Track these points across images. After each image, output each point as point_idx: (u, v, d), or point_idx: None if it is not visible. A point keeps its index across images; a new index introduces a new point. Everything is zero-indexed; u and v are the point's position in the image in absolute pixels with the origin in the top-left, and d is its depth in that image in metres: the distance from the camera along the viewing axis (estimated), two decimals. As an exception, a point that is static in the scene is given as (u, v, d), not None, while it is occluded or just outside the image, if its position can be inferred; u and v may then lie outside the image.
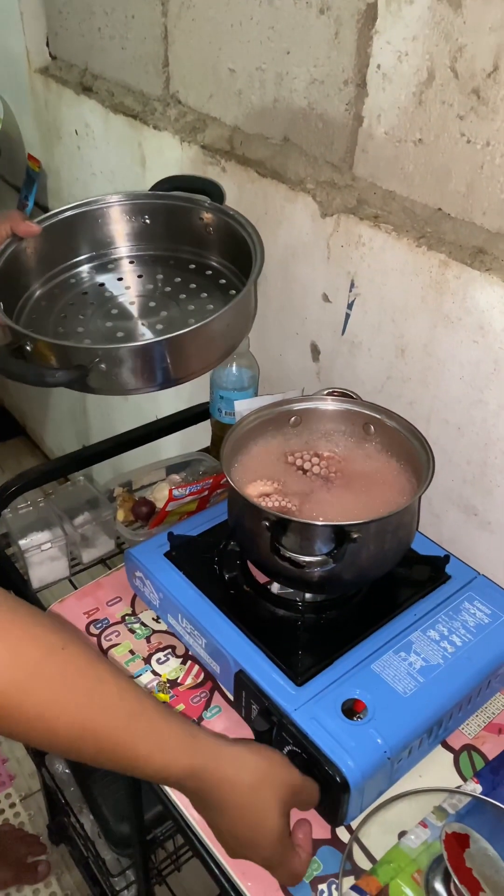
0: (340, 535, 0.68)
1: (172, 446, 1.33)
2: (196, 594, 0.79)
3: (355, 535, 0.68)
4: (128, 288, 1.03)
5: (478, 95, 0.74)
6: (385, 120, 0.85)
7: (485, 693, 0.76)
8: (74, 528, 0.97)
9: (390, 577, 0.79)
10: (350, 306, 0.96)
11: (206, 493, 0.95)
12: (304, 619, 0.77)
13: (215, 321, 0.85)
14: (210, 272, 1.04)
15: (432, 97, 0.79)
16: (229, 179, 1.09)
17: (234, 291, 0.99)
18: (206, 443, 1.17)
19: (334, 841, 0.68)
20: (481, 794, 0.71)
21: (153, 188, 1.04)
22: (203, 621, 0.76)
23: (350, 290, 0.95)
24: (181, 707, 0.77)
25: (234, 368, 1.06)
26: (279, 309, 1.09)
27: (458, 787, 0.72)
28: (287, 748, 0.67)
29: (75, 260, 1.07)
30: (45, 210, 1.70)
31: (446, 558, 0.82)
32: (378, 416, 0.84)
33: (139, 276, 1.04)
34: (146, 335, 0.93)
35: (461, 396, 0.86)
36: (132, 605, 0.88)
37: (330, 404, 0.87)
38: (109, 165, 1.38)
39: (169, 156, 1.20)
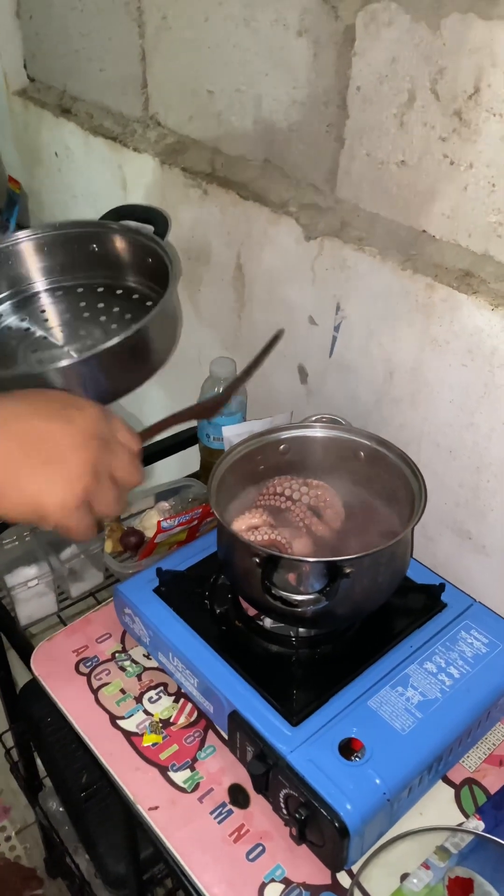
0: (333, 570, 0.67)
1: (163, 470, 1.31)
2: (186, 631, 0.77)
3: (348, 571, 0.67)
4: (46, 321, 1.04)
5: (459, 117, 0.73)
6: (367, 142, 0.84)
7: (485, 725, 0.74)
8: (62, 563, 0.95)
9: (385, 607, 0.78)
10: (337, 329, 0.95)
11: (196, 522, 0.93)
12: (297, 654, 0.75)
13: (139, 332, 0.85)
14: (136, 296, 1.05)
15: (414, 119, 0.78)
16: (211, 202, 1.07)
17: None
18: (197, 466, 1.15)
19: (335, 886, 0.66)
20: (484, 831, 0.69)
21: (102, 218, 1.06)
22: (194, 660, 0.74)
23: (336, 313, 0.94)
24: (174, 748, 0.76)
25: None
26: (266, 331, 1.08)
27: (460, 824, 0.70)
28: (284, 791, 0.66)
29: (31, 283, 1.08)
30: (28, 232, 1.69)
31: (441, 587, 0.80)
32: (368, 442, 0.82)
33: (61, 308, 1.05)
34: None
35: (452, 420, 0.84)
36: (122, 641, 0.86)
37: (319, 431, 0.86)
38: (91, 188, 1.37)
39: (150, 178, 1.18)
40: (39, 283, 1.08)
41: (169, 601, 0.80)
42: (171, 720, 0.78)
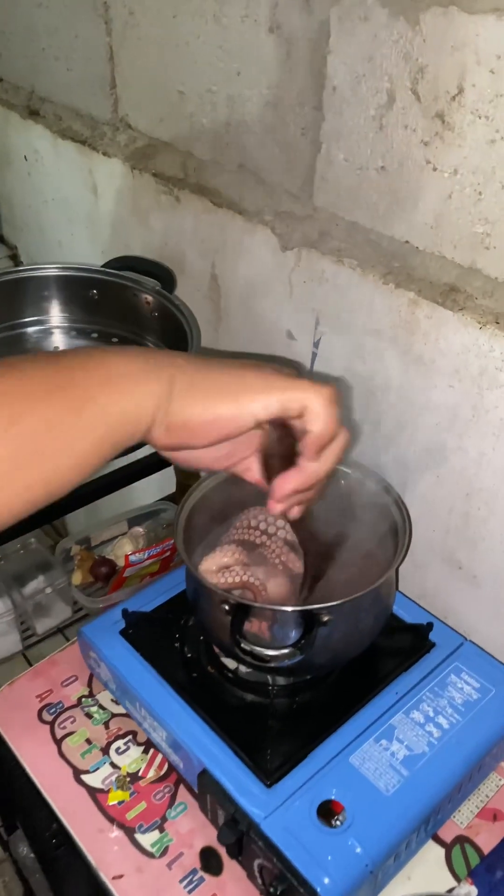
0: (309, 619, 0.61)
1: (137, 493, 1.25)
2: (153, 679, 0.71)
3: (326, 619, 0.61)
4: None
5: (442, 120, 0.67)
6: (344, 145, 0.78)
7: (476, 778, 0.69)
8: (24, 598, 0.89)
9: (369, 648, 0.72)
10: (316, 345, 0.89)
11: (168, 553, 0.87)
12: (274, 704, 0.70)
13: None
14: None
15: (394, 121, 0.72)
16: (184, 210, 1.01)
17: None
18: (173, 487, 1.10)
19: None
20: (477, 897, 0.64)
21: (106, 265, 1.01)
22: (161, 713, 0.68)
23: (316, 329, 0.88)
24: (142, 806, 0.70)
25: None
26: (244, 345, 1.02)
27: (451, 889, 0.64)
28: (257, 861, 0.60)
29: (13, 322, 1.04)
30: (0, 237, 1.63)
31: (429, 626, 0.74)
32: (350, 471, 0.77)
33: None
34: None
35: (440, 443, 0.79)
36: (89, 684, 0.81)
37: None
38: (62, 193, 1.30)
39: (121, 184, 1.12)
40: (63, 319, 1.06)
41: (136, 644, 0.74)
42: (140, 773, 0.72)
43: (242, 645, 0.59)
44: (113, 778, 0.72)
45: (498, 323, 0.69)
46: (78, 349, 0.50)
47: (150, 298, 0.99)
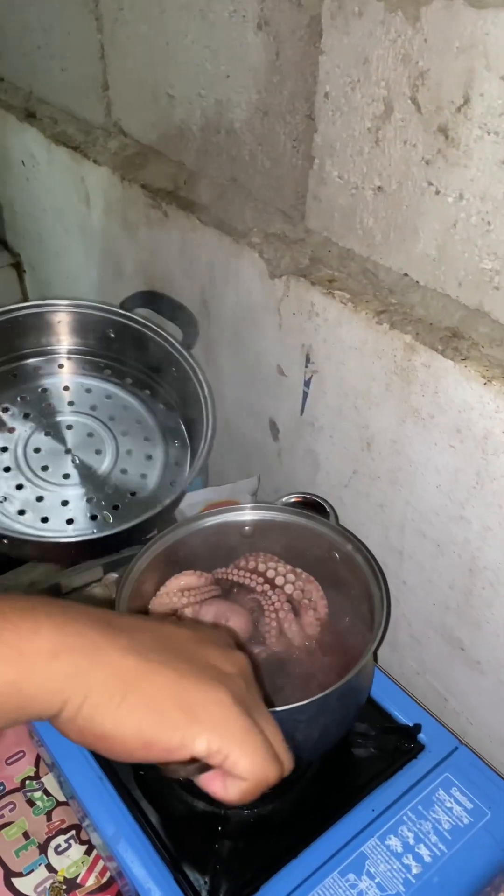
0: None
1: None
2: (94, 773, 0.62)
3: None
4: (71, 403, 0.92)
5: (445, 135, 0.56)
6: (338, 161, 0.67)
7: (464, 920, 0.58)
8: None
9: (346, 747, 0.62)
10: (307, 384, 0.79)
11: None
12: (227, 816, 0.60)
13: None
14: (162, 405, 0.94)
15: (392, 135, 0.61)
16: (172, 226, 0.92)
17: (177, 443, 0.91)
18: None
19: None
20: None
21: (124, 302, 0.91)
22: (99, 819, 0.59)
23: (306, 366, 0.78)
24: (76, 923, 0.61)
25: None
26: (231, 376, 0.92)
27: None
28: None
29: (20, 353, 0.94)
30: (4, 243, 1.55)
31: (417, 727, 0.64)
32: (337, 538, 0.66)
33: (87, 391, 0.93)
34: (68, 490, 0.86)
35: (438, 508, 0.68)
36: (36, 763, 0.72)
37: (279, 515, 0.71)
38: (56, 202, 1.22)
39: (111, 195, 1.03)
40: (76, 353, 0.96)
41: (80, 730, 0.65)
42: (79, 880, 0.64)
43: None
44: (48, 885, 0.63)
45: (506, 378, 0.57)
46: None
47: (169, 351, 0.90)
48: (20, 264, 1.52)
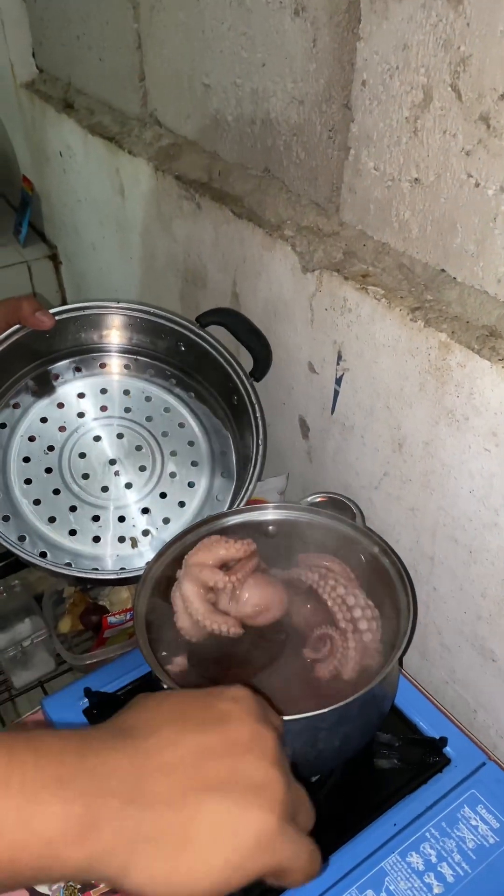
0: None
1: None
2: (112, 776, 0.61)
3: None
4: (128, 410, 0.86)
5: (487, 124, 0.54)
6: (375, 152, 0.65)
7: (487, 943, 0.56)
8: (-1, 650, 0.81)
9: (368, 757, 0.60)
10: (338, 382, 0.77)
11: (157, 611, 0.77)
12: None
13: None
14: (218, 430, 0.87)
15: (430, 124, 0.58)
16: (205, 218, 0.90)
17: (223, 474, 0.84)
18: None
19: None
20: None
21: (201, 317, 0.84)
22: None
23: (338, 363, 0.76)
24: (89, 923, 0.60)
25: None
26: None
27: None
28: None
29: (86, 346, 0.88)
30: (41, 235, 1.56)
31: (443, 740, 0.61)
32: (368, 544, 0.64)
33: (146, 399, 0.87)
34: (103, 504, 0.81)
35: (472, 514, 0.65)
36: (55, 759, 0.71)
37: (305, 516, 0.69)
38: (92, 193, 1.22)
39: (145, 186, 1.02)
40: (141, 356, 0.89)
41: (99, 729, 0.64)
42: (94, 881, 0.63)
43: None
44: (62, 883, 0.63)
45: (545, 381, 0.55)
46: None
47: (235, 380, 0.83)
48: (56, 256, 1.52)
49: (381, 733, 0.62)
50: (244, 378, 0.83)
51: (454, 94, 0.55)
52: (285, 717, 0.50)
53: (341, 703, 0.51)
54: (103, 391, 0.86)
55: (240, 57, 0.78)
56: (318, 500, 0.73)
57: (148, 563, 0.64)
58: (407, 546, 0.74)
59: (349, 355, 0.74)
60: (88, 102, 1.17)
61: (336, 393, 0.78)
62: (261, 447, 0.80)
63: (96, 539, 0.78)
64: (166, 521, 0.81)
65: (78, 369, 0.86)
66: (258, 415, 0.81)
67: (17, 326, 0.79)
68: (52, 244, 1.53)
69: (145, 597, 0.60)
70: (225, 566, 0.63)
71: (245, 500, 0.78)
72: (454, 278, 0.62)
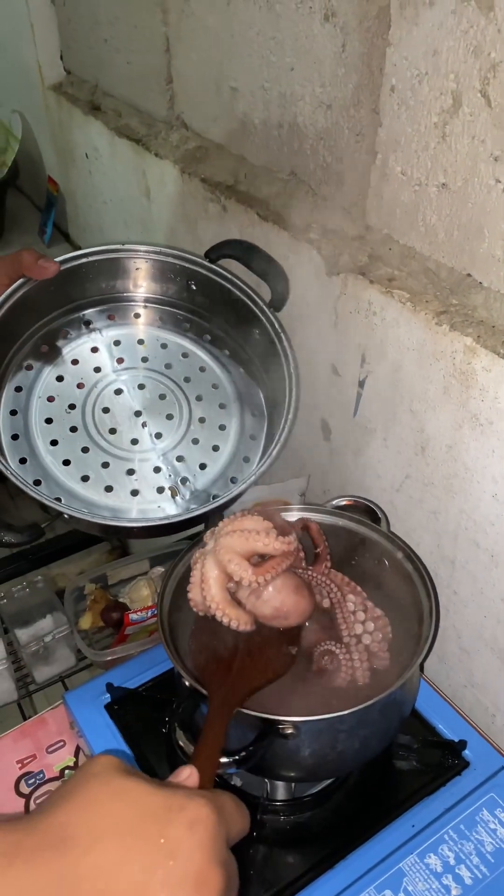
0: (264, 728, 0.50)
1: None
2: (133, 770, 0.62)
3: (288, 732, 0.50)
4: (145, 360, 0.83)
5: (517, 130, 0.54)
6: (402, 156, 0.65)
7: None
8: (21, 645, 0.82)
9: (387, 758, 0.61)
10: (361, 384, 0.77)
11: (178, 609, 0.78)
12: (263, 821, 0.59)
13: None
14: (242, 370, 0.84)
15: (459, 130, 0.59)
16: (231, 221, 0.91)
17: (254, 413, 0.82)
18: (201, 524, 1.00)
19: None
20: None
21: (209, 252, 0.82)
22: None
23: (361, 366, 0.76)
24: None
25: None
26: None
27: None
28: None
29: (94, 298, 0.85)
30: (66, 236, 1.57)
31: (462, 743, 0.62)
32: (390, 547, 0.65)
33: (162, 346, 0.84)
34: (136, 457, 0.78)
35: (495, 519, 0.65)
36: (76, 753, 0.72)
37: (328, 518, 0.69)
38: (118, 194, 1.23)
39: (171, 189, 1.03)
40: (152, 303, 0.86)
41: (119, 723, 0.65)
42: None
43: (178, 737, 0.49)
44: None
45: None
46: None
47: (254, 310, 0.80)
48: (80, 256, 1.53)
49: (401, 735, 0.62)
50: (265, 308, 0.79)
51: (483, 99, 0.56)
52: (305, 719, 0.50)
53: (361, 706, 0.51)
54: (116, 343, 0.84)
55: (268, 61, 0.79)
56: (344, 503, 0.73)
57: (171, 563, 0.65)
58: (428, 549, 0.75)
59: (373, 358, 0.74)
60: (115, 105, 1.18)
61: (359, 395, 0.78)
62: (293, 377, 0.76)
63: (134, 493, 0.76)
64: (202, 466, 0.78)
65: (87, 323, 0.84)
66: (285, 343, 0.77)
67: (21, 281, 0.76)
68: (77, 245, 1.54)
69: (169, 594, 0.61)
70: (258, 556, 0.61)
71: (283, 440, 0.74)
72: (480, 283, 0.62)
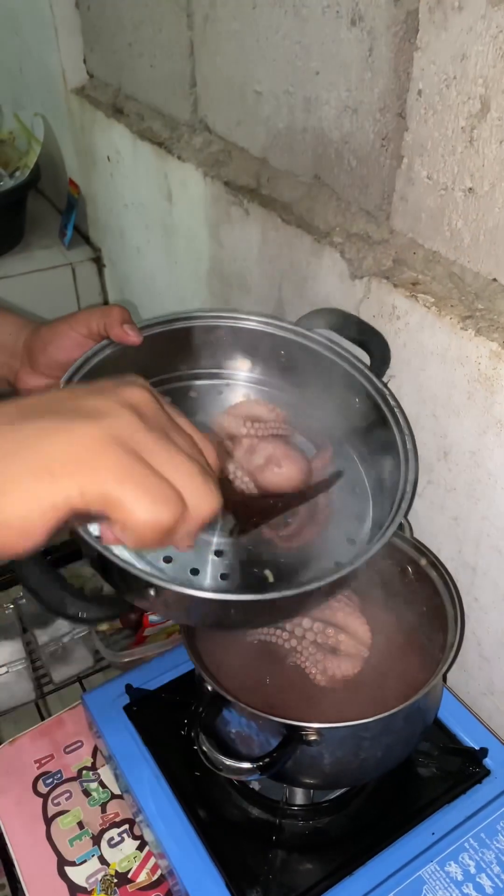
0: (288, 734, 0.50)
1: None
2: (151, 771, 0.62)
3: (312, 738, 0.50)
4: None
5: (546, 135, 0.54)
6: (428, 161, 0.65)
7: None
8: (39, 645, 0.82)
9: (408, 764, 0.60)
10: (384, 389, 0.77)
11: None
12: (282, 826, 0.59)
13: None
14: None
15: (486, 135, 0.59)
16: (253, 224, 0.91)
17: (356, 490, 0.69)
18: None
19: None
20: None
21: (301, 320, 0.75)
22: (152, 816, 0.59)
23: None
24: (125, 919, 0.61)
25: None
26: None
27: None
28: None
29: (179, 373, 0.76)
30: (86, 238, 1.58)
31: (483, 751, 0.61)
32: (411, 552, 0.64)
33: None
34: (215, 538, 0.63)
35: (517, 525, 0.65)
36: (94, 754, 0.73)
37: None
38: (139, 197, 1.23)
39: (193, 192, 1.03)
40: (242, 377, 0.77)
41: (138, 725, 0.65)
42: (130, 876, 0.63)
43: (202, 742, 0.49)
44: (99, 877, 0.63)
45: None
46: None
47: (359, 381, 0.69)
48: (100, 259, 1.54)
49: (421, 741, 0.62)
50: (367, 373, 0.69)
51: (513, 104, 0.56)
52: (329, 725, 0.50)
53: (385, 714, 0.51)
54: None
55: (293, 65, 0.79)
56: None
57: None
58: (449, 555, 0.74)
59: (396, 362, 0.74)
60: (138, 108, 1.19)
61: (381, 400, 0.78)
62: (410, 454, 0.63)
63: (223, 577, 0.60)
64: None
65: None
66: (397, 411, 0.66)
67: (105, 342, 0.67)
68: (97, 247, 1.55)
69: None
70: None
71: (398, 518, 0.58)
72: (507, 288, 0.62)
